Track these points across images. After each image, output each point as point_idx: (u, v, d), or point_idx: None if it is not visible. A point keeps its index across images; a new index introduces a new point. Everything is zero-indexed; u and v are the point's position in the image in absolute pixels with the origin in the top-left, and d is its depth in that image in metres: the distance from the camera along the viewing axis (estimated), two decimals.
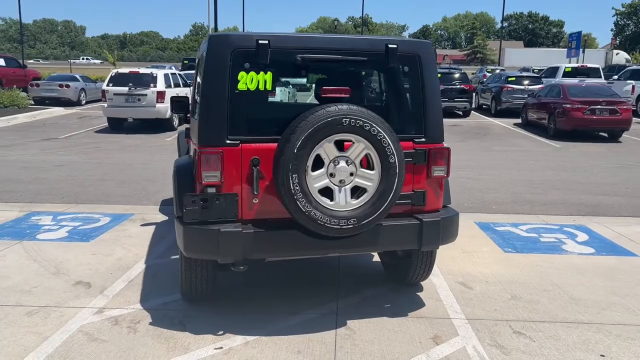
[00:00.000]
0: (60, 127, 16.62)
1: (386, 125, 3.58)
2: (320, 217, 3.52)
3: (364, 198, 3.63)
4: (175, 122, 16.72)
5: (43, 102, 21.45)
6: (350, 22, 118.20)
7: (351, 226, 3.59)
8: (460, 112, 21.21)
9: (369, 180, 3.63)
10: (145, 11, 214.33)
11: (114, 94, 15.67)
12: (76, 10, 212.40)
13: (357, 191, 3.65)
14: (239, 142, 3.66)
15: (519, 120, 18.75)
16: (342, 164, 3.57)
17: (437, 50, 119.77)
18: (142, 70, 16.49)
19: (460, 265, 5.34)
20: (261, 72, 3.69)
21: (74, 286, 4.65)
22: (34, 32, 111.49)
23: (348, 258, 5.29)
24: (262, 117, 3.85)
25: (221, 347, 3.64)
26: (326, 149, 3.53)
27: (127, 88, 15.60)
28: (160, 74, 16.22)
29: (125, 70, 16.64)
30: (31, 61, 64.95)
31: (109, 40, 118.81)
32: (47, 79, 22.40)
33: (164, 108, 15.79)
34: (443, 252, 5.56)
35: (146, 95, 15.63)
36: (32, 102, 21.41)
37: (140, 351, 3.57)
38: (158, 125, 15.85)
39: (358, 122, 3.49)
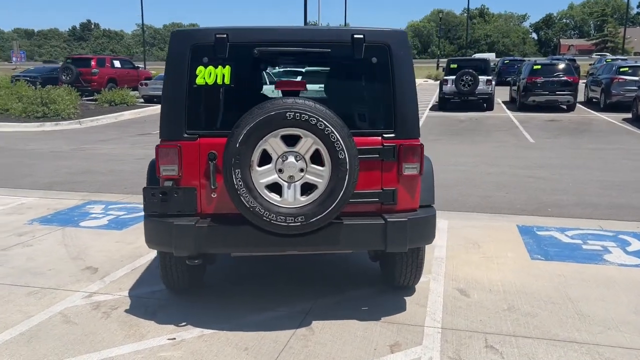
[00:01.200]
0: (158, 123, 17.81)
1: (336, 119, 3.42)
2: (266, 214, 3.45)
3: (314, 195, 3.49)
4: None
5: (151, 100, 23.05)
6: (464, 14, 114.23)
7: (298, 224, 3.47)
8: (564, 106, 19.79)
9: (319, 177, 3.49)
10: (254, 10, 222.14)
11: None
12: (201, 12, 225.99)
13: (307, 188, 3.52)
14: (197, 136, 3.68)
15: (629, 115, 17.05)
16: (291, 159, 3.46)
17: (561, 40, 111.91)
18: None
19: (471, 270, 4.97)
20: (219, 67, 3.68)
21: (82, 271, 4.96)
22: (163, 36, 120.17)
23: (344, 256, 5.13)
24: (220, 111, 3.84)
25: (174, 338, 3.70)
26: (273, 143, 3.44)
27: None
28: None
29: None
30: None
31: None
32: (155, 79, 24.06)
33: None
34: (459, 256, 5.24)
35: None
36: (142, 100, 23.10)
37: (99, 336, 3.73)
38: None
39: (303, 117, 3.36)
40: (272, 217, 3.45)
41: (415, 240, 3.82)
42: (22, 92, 18.57)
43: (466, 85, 20.26)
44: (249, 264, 5.01)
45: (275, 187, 3.51)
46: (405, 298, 4.34)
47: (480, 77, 20.06)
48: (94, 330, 3.82)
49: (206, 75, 3.67)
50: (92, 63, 23.67)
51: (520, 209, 7.35)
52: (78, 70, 23.04)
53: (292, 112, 3.35)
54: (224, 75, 3.69)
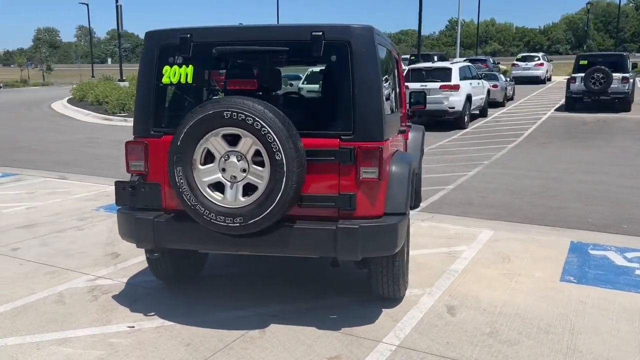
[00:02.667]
0: None
1: (275, 120, 3.31)
2: (206, 212, 3.46)
3: (254, 196, 3.43)
4: None
5: None
6: (631, 4, 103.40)
7: (237, 225, 3.43)
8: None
9: (260, 178, 3.41)
10: (404, 9, 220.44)
11: None
12: (341, 12, 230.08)
13: (249, 189, 3.47)
14: (162, 133, 3.80)
15: None
16: (233, 159, 3.43)
17: None
18: None
19: (479, 287, 4.54)
20: (183, 66, 3.76)
21: (105, 256, 5.36)
22: None
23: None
24: (184, 110, 3.91)
25: (133, 327, 3.85)
26: (214, 142, 3.44)
27: None
28: None
29: None
30: None
31: None
32: None
33: None
34: (477, 270, 4.87)
35: None
36: None
37: (74, 318, 4.00)
38: None
39: (240, 116, 3.31)
40: (212, 216, 3.46)
41: (371, 249, 3.59)
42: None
43: (597, 84, 18.47)
44: (248, 262, 5.05)
45: (219, 187, 3.50)
46: (383, 310, 4.09)
47: (614, 74, 18.16)
48: (74, 311, 4.11)
49: (171, 74, 3.77)
50: None
51: (590, 223, 6.54)
52: None
53: (229, 111, 3.32)
54: (187, 75, 3.76)
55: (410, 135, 6.62)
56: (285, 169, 3.31)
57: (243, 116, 3.30)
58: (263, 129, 3.29)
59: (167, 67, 3.77)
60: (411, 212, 6.74)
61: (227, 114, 3.32)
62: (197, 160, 3.47)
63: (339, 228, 3.50)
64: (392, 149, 3.96)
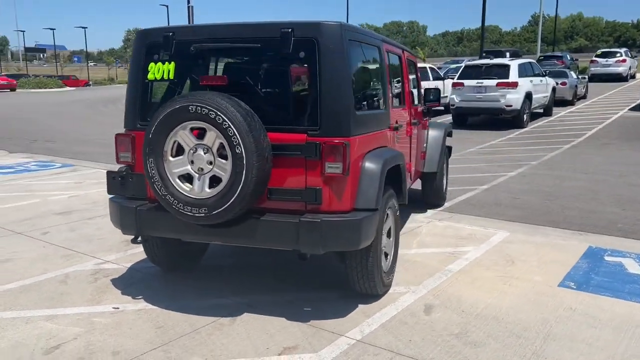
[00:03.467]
0: None
1: (236, 114, 3.41)
2: (175, 202, 3.63)
3: (218, 188, 3.56)
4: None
5: None
6: None
7: (202, 215, 3.58)
8: None
9: (224, 170, 3.53)
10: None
11: None
12: (419, 10, 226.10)
13: (215, 181, 3.60)
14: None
15: None
16: (200, 152, 3.58)
17: None
18: None
19: (468, 288, 4.45)
20: (166, 63, 3.96)
21: (121, 242, 5.69)
22: (383, 34, 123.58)
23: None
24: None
25: (117, 308, 4.10)
26: (183, 135, 3.60)
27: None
28: None
29: None
30: None
31: (448, 38, 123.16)
32: None
33: None
34: (473, 271, 4.81)
35: None
36: None
37: (69, 297, 4.30)
38: None
39: (204, 110, 3.45)
40: (181, 206, 3.62)
41: (333, 243, 3.62)
42: None
43: None
44: (250, 254, 5.20)
45: (188, 178, 3.66)
46: (359, 306, 4.11)
47: None
48: (72, 291, 4.42)
49: (155, 71, 3.98)
50: None
51: (619, 228, 6.20)
52: None
53: (194, 105, 3.47)
54: (169, 71, 3.95)
55: (431, 133, 6.54)
56: (245, 162, 3.42)
57: (206, 110, 3.44)
58: (224, 122, 3.41)
59: (152, 64, 3.98)
60: (431, 211, 6.70)
61: (192, 108, 3.47)
62: (168, 152, 3.64)
63: (301, 221, 3.56)
64: (368, 145, 3.95)
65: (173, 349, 3.47)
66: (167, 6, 45.71)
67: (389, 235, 4.44)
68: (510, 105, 15.12)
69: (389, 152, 4.21)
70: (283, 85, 3.94)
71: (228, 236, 3.79)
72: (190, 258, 4.84)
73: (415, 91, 6.05)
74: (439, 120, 15.89)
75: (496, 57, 22.94)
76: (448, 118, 16.76)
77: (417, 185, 7.13)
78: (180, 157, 3.64)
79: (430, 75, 17.79)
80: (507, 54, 30.11)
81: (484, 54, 31.98)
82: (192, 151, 3.60)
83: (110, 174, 4.14)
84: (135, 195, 4.07)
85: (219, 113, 3.41)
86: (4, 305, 4.15)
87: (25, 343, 3.56)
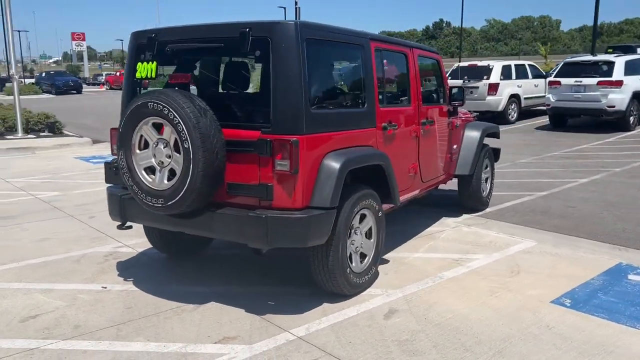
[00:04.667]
0: None
1: (186, 110, 3.57)
2: (139, 192, 3.89)
3: (173, 181, 3.74)
4: (513, 115, 16.24)
5: None
6: None
7: (160, 205, 3.80)
8: None
9: (178, 164, 3.72)
10: None
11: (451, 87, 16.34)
12: (553, 4, 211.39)
13: (172, 173, 3.80)
14: None
15: None
16: (160, 146, 3.80)
17: None
18: (480, 63, 16.52)
19: (446, 296, 4.27)
20: (150, 62, 4.24)
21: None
22: (511, 30, 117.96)
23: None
24: None
25: (105, 287, 4.46)
26: (146, 130, 3.83)
27: (461, 81, 16.05)
28: (497, 65, 15.94)
29: (465, 63, 17.03)
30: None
31: (585, 32, 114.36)
32: None
33: (495, 101, 15.58)
34: (466, 280, 4.64)
35: (478, 87, 15.72)
36: None
37: (73, 274, 4.73)
38: (494, 119, 15.85)
39: (159, 107, 3.66)
40: (144, 196, 3.88)
41: (280, 239, 3.67)
42: None
43: None
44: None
45: (152, 170, 3.90)
46: (324, 304, 4.11)
47: None
48: (78, 270, 4.87)
49: (142, 69, 4.27)
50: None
51: None
52: None
53: (152, 102, 3.70)
54: (151, 70, 4.22)
55: (466, 133, 6.30)
56: (191, 157, 3.58)
57: (161, 107, 3.65)
58: (175, 118, 3.60)
59: (139, 64, 4.28)
60: (466, 216, 6.44)
61: (150, 104, 3.70)
62: (135, 145, 3.91)
63: (248, 216, 3.66)
64: (333, 144, 3.93)
65: (126, 328, 3.73)
66: (284, 8, 47.41)
67: (368, 236, 4.38)
68: (613, 106, 13.83)
69: (360, 152, 4.15)
70: (242, 84, 4.05)
71: (191, 226, 3.98)
72: (190, 246, 5.10)
73: (425, 89, 5.82)
74: (537, 122, 14.94)
75: (624, 52, 20.94)
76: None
77: (454, 186, 6.88)
78: (146, 150, 3.89)
79: (529, 72, 16.74)
80: (639, 50, 27.30)
81: (608, 49, 29.39)
82: (154, 145, 3.83)
83: (107, 165, 4.51)
84: (125, 185, 4.40)
85: (170, 109, 3.61)
86: (17, 277, 4.68)
87: (11, 311, 4.02)
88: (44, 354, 3.40)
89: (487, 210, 6.93)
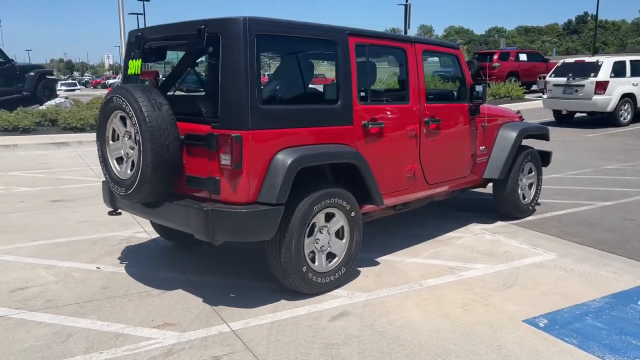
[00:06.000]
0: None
1: (139, 103, 3.75)
2: (110, 181, 4.17)
3: (133, 171, 3.96)
4: (626, 117, 14.76)
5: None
6: None
7: (123, 194, 4.04)
8: None
9: (135, 155, 3.93)
10: None
11: (553, 85, 15.22)
12: None
13: (134, 164, 4.01)
14: None
15: None
16: (125, 138, 4.03)
17: None
18: (588, 60, 15.12)
19: (412, 304, 4.05)
20: (136, 60, 4.50)
21: None
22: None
23: None
24: None
25: (99, 268, 4.81)
26: (116, 123, 4.08)
27: (565, 78, 14.87)
28: (607, 62, 14.50)
29: (571, 60, 15.70)
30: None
31: None
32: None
33: (603, 100, 14.25)
34: (445, 289, 4.40)
35: (584, 86, 14.47)
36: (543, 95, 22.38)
37: (82, 254, 5.13)
38: (604, 121, 14.63)
39: (119, 101, 3.88)
40: (112, 184, 4.15)
41: (221, 233, 3.72)
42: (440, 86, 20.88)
43: None
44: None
45: (121, 160, 4.15)
46: (281, 301, 4.08)
47: None
48: (88, 250, 5.28)
49: (131, 67, 4.56)
50: (495, 57, 24.36)
51: None
52: (480, 64, 24.16)
53: (115, 97, 3.93)
54: (137, 67, 4.48)
55: (501, 134, 5.94)
56: (141, 148, 3.76)
57: (121, 101, 3.87)
58: (130, 112, 3.80)
59: (130, 61, 4.57)
60: (501, 223, 6.06)
61: (115, 99, 3.94)
62: (109, 137, 4.18)
63: (194, 208, 3.76)
64: (290, 140, 3.90)
65: (87, 306, 4.02)
66: (406, 5, 46.74)
67: (340, 237, 4.29)
68: None
69: (322, 149, 4.06)
70: (199, 80, 4.15)
71: (156, 216, 4.18)
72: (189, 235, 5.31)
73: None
74: None
75: None
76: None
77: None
78: (117, 141, 4.15)
79: (628, 70, 14.85)
80: None
81: None
82: (122, 137, 4.08)
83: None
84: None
85: (127, 103, 3.82)
86: (35, 253, 5.21)
87: (9, 282, 4.49)
88: (6, 321, 3.77)
89: (529, 218, 6.40)
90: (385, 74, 12.27)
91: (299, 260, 3.98)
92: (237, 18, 3.71)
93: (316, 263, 4.16)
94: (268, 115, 3.79)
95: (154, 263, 4.95)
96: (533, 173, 6.49)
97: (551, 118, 16.19)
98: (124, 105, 3.84)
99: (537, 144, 6.87)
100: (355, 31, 4.41)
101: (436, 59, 6.06)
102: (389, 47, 4.84)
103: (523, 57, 25.16)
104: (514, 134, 6.01)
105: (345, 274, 4.35)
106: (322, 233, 4.17)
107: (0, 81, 16.30)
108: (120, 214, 4.76)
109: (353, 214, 4.30)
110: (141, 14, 47.01)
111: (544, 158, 6.67)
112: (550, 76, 15.42)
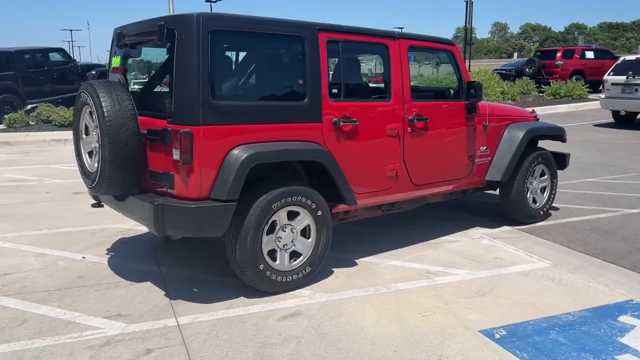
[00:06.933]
0: (578, 117, 16.73)
1: (100, 99, 3.83)
2: (82, 174, 4.31)
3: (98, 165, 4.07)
4: None
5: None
6: None
7: (90, 186, 4.16)
8: None
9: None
10: None
11: (612, 84, 14.34)
12: None
13: None
14: None
15: None
16: (94, 132, 4.15)
17: None
18: None
19: (371, 307, 3.94)
20: (116, 56, 4.63)
21: None
22: None
23: None
24: None
25: (84, 258, 4.96)
26: (87, 117, 4.20)
27: (624, 77, 13.97)
28: None
29: (632, 57, 14.69)
30: None
31: None
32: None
33: None
34: (412, 293, 4.26)
35: None
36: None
37: (75, 244, 5.33)
38: None
39: (84, 96, 4.00)
40: (83, 177, 4.29)
41: (172, 228, 3.77)
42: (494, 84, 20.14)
43: None
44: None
45: (92, 155, 4.27)
46: (240, 298, 4.08)
47: None
48: (82, 241, 5.45)
49: (113, 63, 4.69)
50: (558, 55, 23.20)
51: None
52: (542, 62, 23.12)
53: (82, 92, 4.06)
54: (117, 63, 4.60)
55: (507, 134, 5.69)
56: (100, 143, 3.86)
57: (86, 96, 3.99)
58: (92, 107, 3.91)
59: (113, 57, 4.70)
60: (507, 228, 5.83)
61: (82, 94, 4.07)
62: (82, 131, 4.32)
63: (148, 203, 3.82)
64: (247, 137, 3.88)
65: (55, 294, 4.17)
66: (467, 1, 45.38)
67: (306, 235, 4.24)
68: None
69: (283, 147, 4.01)
70: (158, 75, 4.19)
71: (122, 208, 4.29)
72: None
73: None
74: None
75: None
76: None
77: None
78: (89, 136, 4.28)
79: None
80: None
81: None
82: (92, 131, 4.20)
83: None
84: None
85: (89, 98, 3.93)
86: (34, 241, 5.47)
87: None
88: None
89: (541, 224, 6.06)
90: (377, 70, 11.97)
91: (255, 257, 3.95)
92: (190, 14, 3.73)
93: (277, 261, 4.12)
94: (223, 112, 3.79)
95: (138, 255, 5.07)
96: (546, 176, 6.13)
97: (610, 119, 15.25)
98: (88, 101, 3.96)
99: (558, 147, 6.51)
100: (327, 27, 4.32)
101: (422, 55, 5.82)
102: (368, 43, 4.71)
103: (590, 54, 23.76)
104: (520, 134, 5.70)
105: (311, 273, 4.28)
106: (285, 231, 4.12)
107: (63, 80, 17.25)
108: (102, 206, 4.91)
109: (320, 212, 4.22)
110: None
111: (560, 160, 6.28)
112: (608, 75, 14.50)
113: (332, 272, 4.61)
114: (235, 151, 3.82)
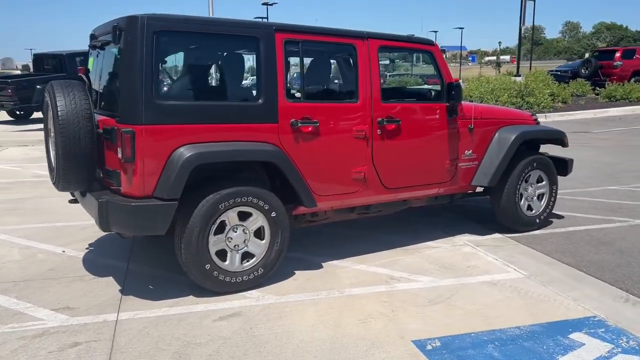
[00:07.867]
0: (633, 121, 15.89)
1: (57, 99, 3.96)
2: (50, 170, 4.48)
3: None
4: None
5: None
6: None
7: (53, 182, 4.31)
8: None
9: None
10: None
11: None
12: None
13: None
14: None
15: None
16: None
17: None
18: None
19: (314, 311, 3.88)
20: (90, 57, 4.78)
21: None
22: None
23: None
24: None
25: (64, 251, 5.15)
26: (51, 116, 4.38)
27: None
28: None
29: None
30: None
31: None
32: None
33: None
34: (362, 298, 4.18)
35: None
36: None
37: (62, 239, 5.55)
38: None
39: (47, 95, 4.16)
40: (49, 172, 4.45)
41: (115, 225, 3.84)
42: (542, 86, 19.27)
43: None
44: None
45: None
46: (189, 297, 4.12)
47: None
48: (73, 235, 5.65)
49: (89, 63, 4.85)
50: (617, 55, 21.97)
51: None
52: (598, 63, 22.00)
53: (46, 92, 4.22)
54: (90, 65, 4.76)
55: (497, 137, 5.50)
56: (55, 140, 4.00)
57: (47, 95, 4.15)
58: (52, 105, 4.05)
59: (89, 58, 4.86)
60: (498, 235, 5.65)
61: (45, 93, 4.23)
62: (51, 129, 4.48)
63: (95, 200, 3.92)
64: (192, 137, 3.90)
65: (20, 285, 4.33)
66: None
67: (260, 237, 4.23)
68: None
69: (230, 147, 4.00)
70: (111, 76, 4.26)
71: (83, 204, 4.42)
72: None
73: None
74: None
75: None
76: None
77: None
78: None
79: None
80: None
81: None
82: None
83: None
84: None
85: (49, 96, 4.08)
86: (28, 234, 5.71)
87: None
88: None
89: (535, 232, 5.78)
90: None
91: (201, 257, 3.97)
92: (136, 15, 3.79)
93: (227, 262, 4.12)
94: (168, 111, 3.83)
95: (115, 252, 5.19)
96: (544, 182, 5.83)
97: None
98: (48, 100, 4.11)
99: (563, 152, 6.20)
100: (285, 27, 4.28)
101: (397, 55, 5.66)
102: (334, 44, 4.63)
103: None
104: (510, 138, 5.45)
105: (264, 275, 4.25)
106: (237, 232, 4.12)
107: None
108: (76, 202, 5.07)
109: (274, 214, 4.19)
110: (265, 19, 49.05)
111: (561, 166, 5.95)
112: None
113: (293, 274, 4.57)
114: (179, 151, 3.85)
